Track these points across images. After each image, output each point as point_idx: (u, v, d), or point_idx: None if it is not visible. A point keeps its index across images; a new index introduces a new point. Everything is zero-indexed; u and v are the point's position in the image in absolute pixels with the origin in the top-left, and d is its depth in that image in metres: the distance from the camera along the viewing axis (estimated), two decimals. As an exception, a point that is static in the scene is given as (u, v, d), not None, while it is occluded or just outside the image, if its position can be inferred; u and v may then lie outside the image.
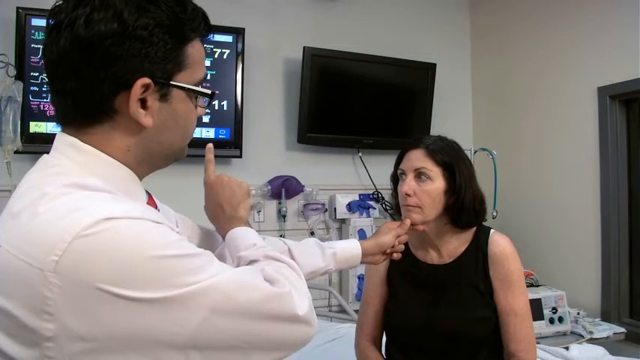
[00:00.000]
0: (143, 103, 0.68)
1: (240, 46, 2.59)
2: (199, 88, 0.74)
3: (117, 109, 0.68)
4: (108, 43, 0.65)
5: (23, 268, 0.57)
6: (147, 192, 0.80)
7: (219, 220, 0.99)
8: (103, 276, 0.57)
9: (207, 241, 1.05)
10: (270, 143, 2.78)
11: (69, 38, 0.65)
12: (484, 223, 1.43)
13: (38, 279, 0.56)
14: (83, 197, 0.62)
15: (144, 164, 0.74)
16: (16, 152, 2.03)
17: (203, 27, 0.74)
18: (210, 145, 1.02)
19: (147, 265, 0.59)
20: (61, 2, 0.68)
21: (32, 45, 2.17)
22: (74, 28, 0.65)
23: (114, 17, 0.65)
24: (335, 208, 2.80)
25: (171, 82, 0.70)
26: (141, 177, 0.76)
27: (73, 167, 0.68)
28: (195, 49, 0.73)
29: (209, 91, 0.76)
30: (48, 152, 0.72)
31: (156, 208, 0.80)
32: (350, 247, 1.17)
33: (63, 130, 0.72)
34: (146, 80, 0.67)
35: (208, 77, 2.50)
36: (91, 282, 0.56)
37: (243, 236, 0.92)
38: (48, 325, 0.57)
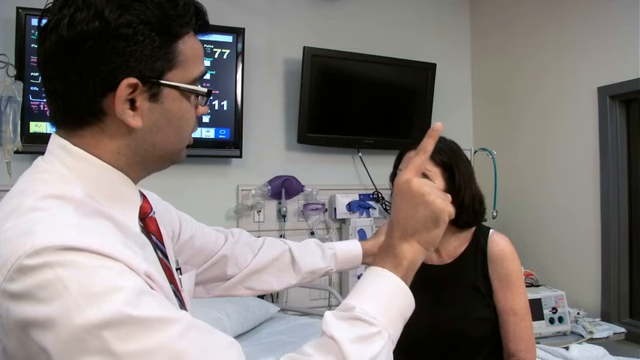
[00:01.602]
0: (132, 103, 0.66)
1: (240, 46, 2.59)
2: (192, 87, 0.71)
3: (105, 111, 0.66)
4: (90, 43, 0.63)
5: None
6: (142, 194, 0.78)
7: (385, 241, 0.74)
8: (31, 315, 0.53)
9: (210, 241, 1.05)
10: (270, 143, 2.78)
11: (54, 39, 0.64)
12: (484, 223, 1.43)
13: None
14: (45, 216, 0.59)
15: (137, 166, 0.72)
16: (16, 152, 2.03)
17: (195, 22, 0.71)
18: (439, 125, 0.74)
19: (75, 320, 0.52)
20: (50, 4, 0.67)
21: (32, 45, 2.17)
22: (59, 29, 0.64)
23: (95, 16, 0.63)
24: (335, 208, 2.80)
25: (161, 81, 0.67)
26: (135, 179, 0.74)
27: (62, 172, 0.67)
28: (187, 45, 0.70)
29: (204, 90, 0.72)
30: None
31: (151, 210, 0.79)
32: (350, 248, 1.17)
33: (57, 132, 0.71)
34: (132, 80, 0.65)
35: (208, 77, 2.49)
36: (18, 318, 0.54)
37: (366, 286, 0.69)
38: None
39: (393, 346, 0.66)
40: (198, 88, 0.72)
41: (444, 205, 0.71)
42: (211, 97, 0.76)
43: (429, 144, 0.74)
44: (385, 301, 0.67)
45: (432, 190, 0.71)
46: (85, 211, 0.62)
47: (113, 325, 0.53)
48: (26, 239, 0.56)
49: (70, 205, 0.62)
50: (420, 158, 0.74)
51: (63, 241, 0.55)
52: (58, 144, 0.69)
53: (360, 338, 0.62)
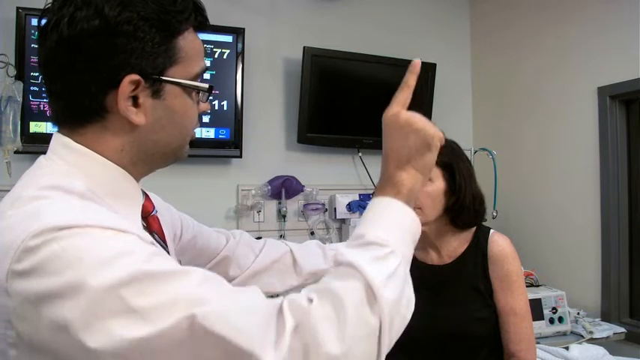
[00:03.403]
0: (135, 100, 0.67)
1: (240, 46, 2.58)
2: (194, 82, 0.71)
3: (108, 109, 0.67)
4: (91, 42, 0.63)
5: None
6: (144, 193, 0.78)
7: (382, 175, 0.73)
8: (44, 292, 0.53)
9: (211, 242, 1.05)
10: (270, 143, 2.78)
11: (54, 39, 0.65)
12: (484, 224, 1.44)
13: None
14: (48, 203, 0.59)
15: (140, 164, 0.72)
16: (16, 152, 2.02)
17: (195, 18, 0.71)
18: (417, 62, 0.77)
19: (91, 283, 0.52)
20: (50, 3, 0.67)
21: (32, 45, 2.17)
22: (59, 28, 0.64)
23: (95, 14, 0.63)
24: (335, 208, 2.79)
25: (163, 78, 0.68)
26: (138, 177, 0.74)
27: (64, 168, 0.67)
28: (187, 41, 0.70)
29: (205, 85, 0.73)
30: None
31: (153, 209, 0.79)
32: None
33: (59, 131, 0.71)
34: (134, 77, 0.65)
35: (208, 77, 2.49)
36: (34, 296, 0.54)
37: (372, 216, 0.68)
38: (8, 332, 0.55)
39: (407, 266, 0.66)
40: (200, 83, 0.73)
41: (434, 130, 0.72)
42: (212, 97, 0.76)
43: (411, 79, 0.76)
44: (393, 225, 0.67)
45: (420, 119, 0.72)
46: (88, 199, 0.63)
47: (130, 282, 0.53)
48: (32, 222, 0.56)
49: (73, 195, 0.62)
50: (404, 94, 0.75)
51: (70, 221, 0.55)
52: (60, 142, 0.69)
53: (376, 258, 0.62)
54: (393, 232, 0.66)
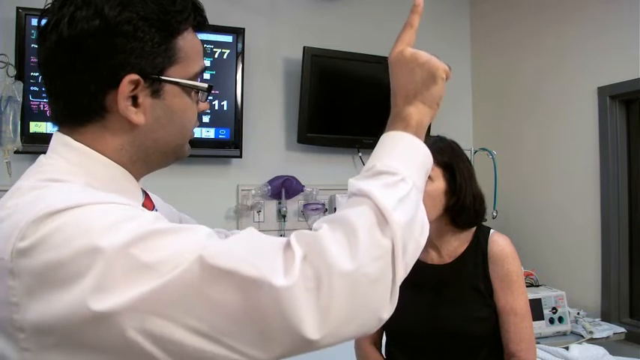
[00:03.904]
0: (135, 100, 0.67)
1: (240, 46, 2.58)
2: (193, 82, 0.72)
3: (107, 108, 0.67)
4: (91, 42, 0.64)
5: None
6: (144, 192, 0.79)
7: (391, 112, 0.74)
8: (52, 263, 0.54)
9: None
10: (270, 143, 2.78)
11: (54, 39, 0.65)
12: (484, 223, 1.44)
13: (2, 269, 0.56)
14: (49, 190, 0.61)
15: (140, 163, 0.72)
16: (16, 152, 2.03)
17: (194, 18, 0.72)
18: (419, 1, 0.76)
19: (99, 247, 0.53)
20: (50, 4, 0.68)
21: (32, 45, 2.17)
22: (59, 29, 0.64)
23: (95, 14, 0.64)
24: (335, 208, 2.79)
25: (162, 77, 0.68)
26: (137, 176, 0.74)
27: (64, 166, 0.67)
28: (186, 41, 0.70)
29: (204, 85, 0.73)
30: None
31: (153, 208, 0.79)
32: None
33: (59, 130, 0.71)
34: (134, 76, 0.65)
35: (208, 77, 2.49)
36: (41, 269, 0.54)
37: (382, 148, 0.69)
38: (15, 315, 0.56)
39: (420, 195, 0.67)
40: (199, 83, 0.73)
41: (438, 63, 0.73)
42: (211, 97, 0.77)
43: (414, 19, 0.76)
44: (403, 155, 0.68)
45: (424, 54, 0.73)
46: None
47: (139, 241, 0.54)
48: (34, 205, 0.57)
49: (72, 184, 0.63)
50: (407, 33, 0.75)
51: (72, 202, 0.57)
52: (61, 141, 0.70)
53: (387, 185, 0.63)
54: (403, 162, 0.66)
